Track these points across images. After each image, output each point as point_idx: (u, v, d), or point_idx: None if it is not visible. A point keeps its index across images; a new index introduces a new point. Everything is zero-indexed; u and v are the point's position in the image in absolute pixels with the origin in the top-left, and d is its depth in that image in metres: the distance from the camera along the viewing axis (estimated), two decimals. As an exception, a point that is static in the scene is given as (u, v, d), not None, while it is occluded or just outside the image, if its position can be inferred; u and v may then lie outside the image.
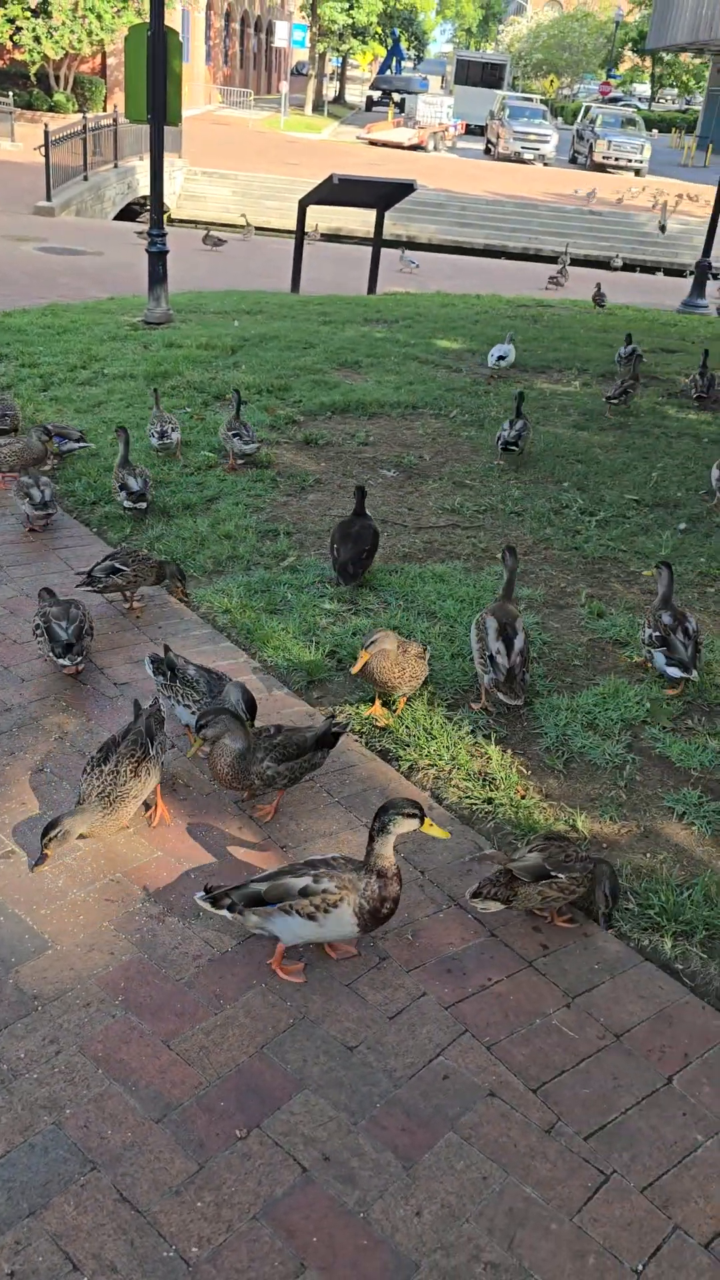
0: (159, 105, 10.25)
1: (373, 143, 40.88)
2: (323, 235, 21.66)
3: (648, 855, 3.40)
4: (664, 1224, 2.28)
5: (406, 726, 3.98)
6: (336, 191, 13.93)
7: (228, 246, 19.27)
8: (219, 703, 3.58)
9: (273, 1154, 2.38)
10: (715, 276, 19.51)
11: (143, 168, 24.15)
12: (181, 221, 24.71)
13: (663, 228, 27.54)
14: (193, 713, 3.66)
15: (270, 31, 58.86)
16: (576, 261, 22.96)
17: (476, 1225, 2.25)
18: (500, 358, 9.68)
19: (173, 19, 37.87)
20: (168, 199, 24.01)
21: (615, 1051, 2.69)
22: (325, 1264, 2.16)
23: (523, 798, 3.64)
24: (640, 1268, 2.19)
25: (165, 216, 11.79)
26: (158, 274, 10.84)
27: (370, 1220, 2.25)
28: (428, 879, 3.25)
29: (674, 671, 4.25)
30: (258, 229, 22.42)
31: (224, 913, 2.84)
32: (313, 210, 15.62)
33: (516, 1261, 2.18)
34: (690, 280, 18.07)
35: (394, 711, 4.06)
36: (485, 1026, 2.74)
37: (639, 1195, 2.33)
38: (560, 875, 2.98)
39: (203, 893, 2.91)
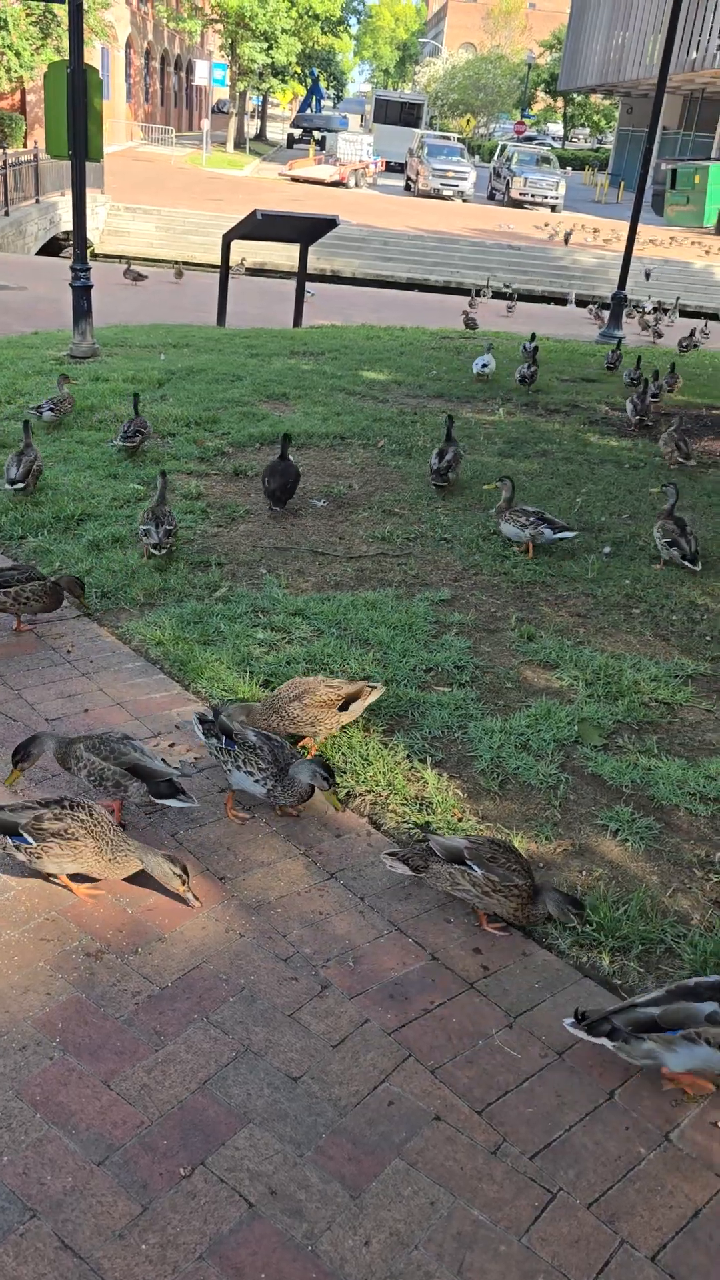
0: (80, 141, 10.27)
1: (295, 179, 41.37)
2: (248, 270, 21.82)
3: (583, 873, 3.45)
4: (611, 1239, 2.29)
5: (343, 753, 3.98)
6: (260, 227, 14.07)
7: (152, 282, 19.28)
8: (291, 782, 3.46)
9: (218, 1191, 2.34)
10: (637, 308, 20.08)
11: (65, 203, 24.09)
12: (105, 256, 24.66)
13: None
14: (258, 782, 3.48)
15: (190, 70, 59.42)
16: (502, 296, 23.46)
17: (425, 1251, 2.24)
18: (484, 365, 11.10)
19: (92, 56, 38.01)
20: (91, 234, 24.02)
21: (558, 1069, 2.71)
22: (274, 1300, 2.13)
23: (459, 820, 3.66)
24: (589, 1284, 2.19)
25: (89, 252, 11.77)
26: (82, 308, 10.80)
27: (319, 1253, 2.23)
28: (367, 904, 3.25)
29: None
30: (183, 263, 22.48)
31: (604, 1041, 2.60)
32: (238, 245, 15.75)
33: (466, 1285, 2.18)
34: (603, 311, 18.54)
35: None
36: (429, 1050, 2.74)
37: (585, 1211, 2.35)
38: (476, 869, 3.03)
39: (572, 1019, 2.67)
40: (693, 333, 16.40)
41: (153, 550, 5.58)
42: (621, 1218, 2.34)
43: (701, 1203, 2.38)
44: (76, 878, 3.21)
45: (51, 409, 8.05)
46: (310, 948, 3.06)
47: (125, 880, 3.22)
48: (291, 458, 6.80)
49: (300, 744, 4.00)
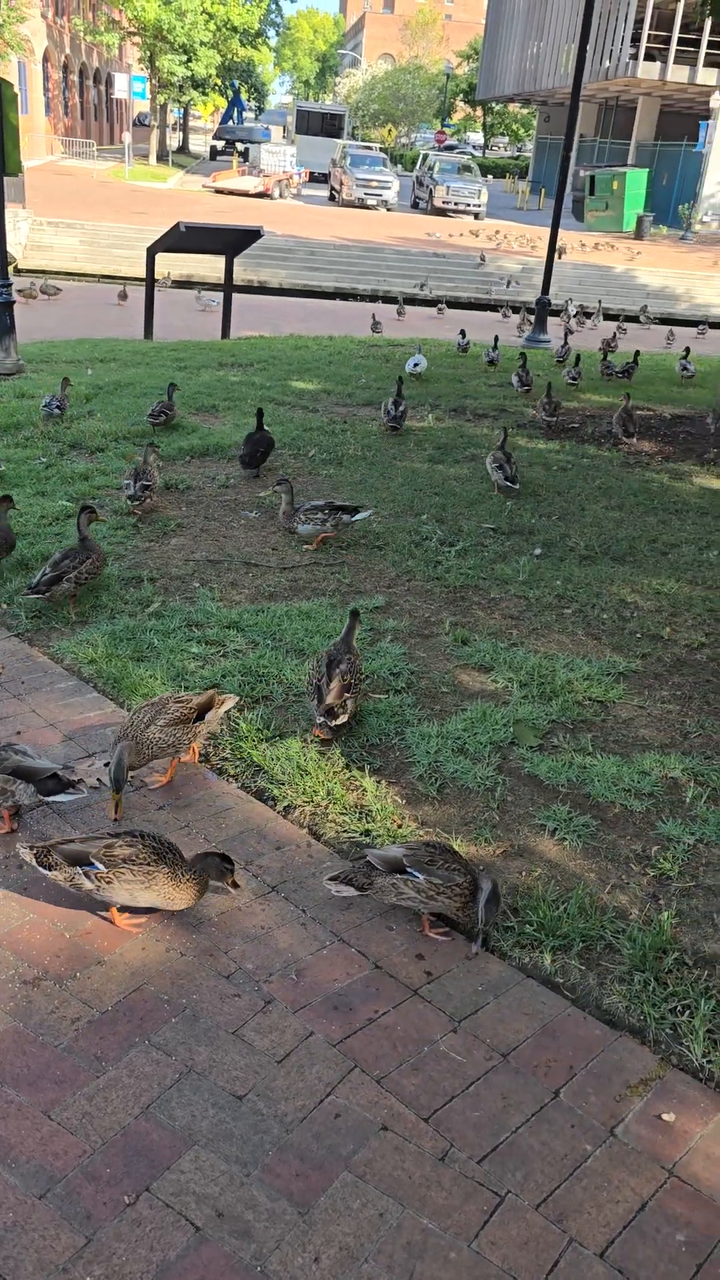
0: (-4, 156, 10.13)
1: (219, 191, 41.25)
2: (174, 283, 21.69)
3: (523, 873, 3.47)
4: (559, 1238, 2.30)
5: (281, 765, 3.96)
6: (185, 239, 14.00)
7: (76, 297, 19.06)
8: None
9: (164, 1217, 2.30)
10: (557, 313, 20.37)
11: (-16, 218, 23.70)
12: (29, 271, 24.34)
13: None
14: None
15: (110, 83, 59.02)
16: (424, 302, 23.64)
17: (375, 1264, 2.23)
18: (416, 365, 12.01)
19: (7, 71, 37.57)
20: (13, 249, 23.67)
21: (503, 1071, 2.72)
22: (224, 1324, 2.09)
23: (399, 827, 3.66)
24: (539, 1285, 2.20)
25: (11, 267, 11.61)
26: (5, 324, 10.65)
27: (268, 1273, 2.20)
28: (309, 916, 3.23)
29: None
30: (104, 277, 22.30)
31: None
32: (164, 258, 15.64)
33: (417, 1295, 2.17)
34: (519, 316, 18.79)
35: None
36: (374, 1060, 2.73)
37: (534, 1213, 2.35)
38: (418, 875, 3.04)
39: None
40: (614, 334, 16.76)
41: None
42: (570, 1216, 2.35)
43: (647, 1196, 2.40)
44: (128, 910, 3.17)
45: None
46: (252, 963, 3.03)
47: (62, 903, 3.17)
48: (267, 428, 7.98)
49: (154, 779, 3.90)
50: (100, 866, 3.04)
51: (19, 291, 18.34)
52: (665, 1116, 2.60)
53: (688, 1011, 2.90)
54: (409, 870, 3.10)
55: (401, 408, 9.35)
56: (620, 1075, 2.72)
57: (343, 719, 4.05)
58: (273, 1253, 2.24)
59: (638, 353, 14.06)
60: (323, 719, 4.06)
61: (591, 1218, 2.35)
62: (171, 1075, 2.65)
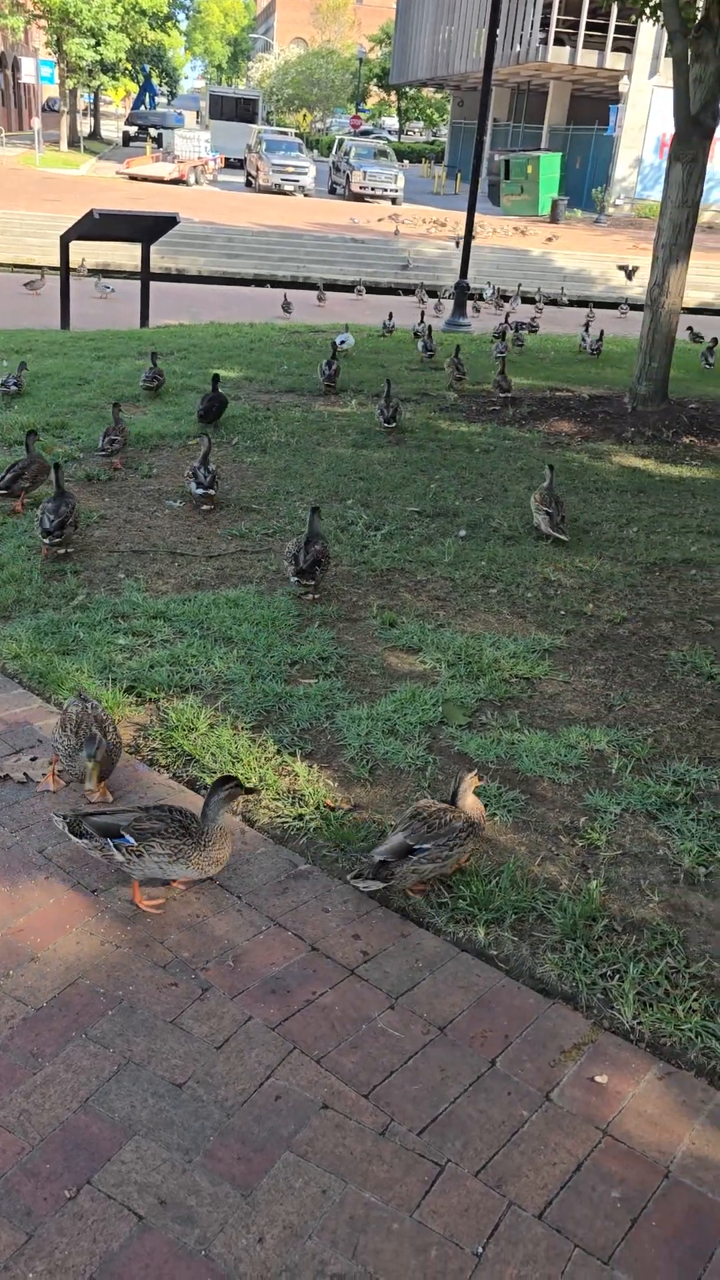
0: None
1: (133, 177, 40.58)
2: (90, 271, 21.31)
3: (456, 850, 3.51)
4: (499, 1203, 2.34)
5: (212, 753, 3.95)
6: (98, 226, 13.75)
7: (-11, 285, 18.61)
8: None
9: (106, 1208, 2.29)
10: (475, 297, 20.49)
11: None
12: (-64, 262, 23.69)
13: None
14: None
15: (16, 68, 57.50)
16: (335, 288, 23.58)
17: (319, 1240, 2.25)
18: (343, 341, 12.48)
19: None
20: None
21: (440, 1044, 2.76)
22: (169, 1310, 2.10)
23: (332, 810, 3.68)
24: (480, 1249, 2.24)
25: None
26: None
27: (212, 1256, 2.20)
28: (244, 902, 3.23)
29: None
30: (17, 267, 21.83)
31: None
32: (80, 246, 15.35)
33: (361, 1268, 2.19)
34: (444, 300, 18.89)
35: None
36: (314, 1041, 2.75)
37: (474, 1180, 2.39)
38: (428, 846, 3.09)
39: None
40: (533, 317, 16.98)
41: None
42: (508, 1181, 2.39)
43: (583, 1156, 2.46)
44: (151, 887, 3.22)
45: None
46: (189, 951, 3.03)
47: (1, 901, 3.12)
48: (221, 391, 9.00)
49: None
50: (131, 840, 3.07)
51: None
52: (598, 1078, 2.67)
53: (618, 976, 2.97)
54: (418, 848, 3.13)
55: (335, 367, 10.64)
56: (554, 1041, 2.78)
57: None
58: (216, 1236, 2.24)
59: (602, 332, 14.76)
60: (296, 578, 5.31)
61: (530, 1181, 2.40)
62: (110, 1068, 2.63)
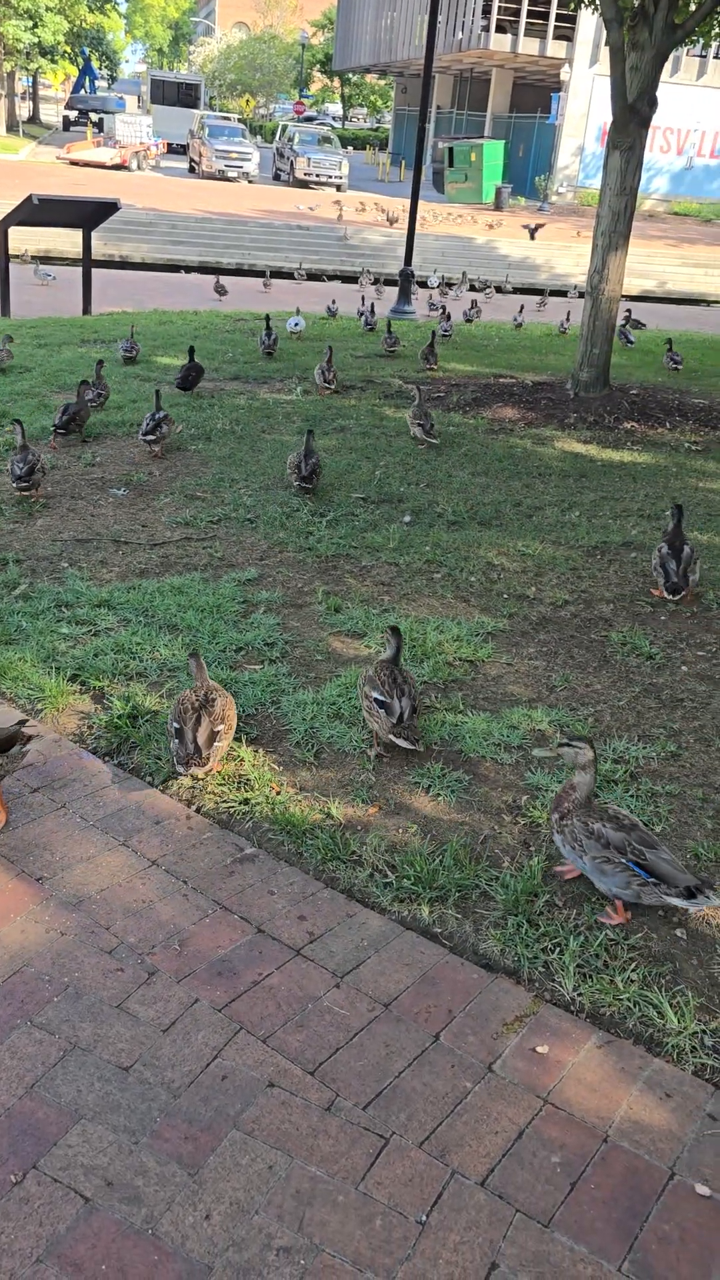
0: None
1: (74, 163, 39.93)
2: (33, 257, 20.96)
3: (400, 831, 3.55)
4: (443, 1172, 2.39)
5: (157, 741, 3.94)
6: (38, 212, 13.55)
7: None
8: None
9: (52, 1191, 2.30)
10: (422, 284, 20.53)
11: None
12: None
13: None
14: None
15: (-50, 49, 56.21)
16: (280, 275, 23.47)
17: (266, 1215, 2.27)
18: (296, 325, 13.11)
19: None
20: None
21: (385, 1020, 2.79)
22: (117, 1289, 2.11)
23: (278, 794, 3.69)
24: (424, 1218, 2.28)
25: None
26: None
27: (159, 1234, 2.22)
28: (190, 887, 3.24)
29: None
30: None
31: None
32: (20, 233, 15.09)
33: (307, 1240, 2.22)
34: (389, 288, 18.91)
35: None
36: (260, 1020, 2.77)
37: (418, 1150, 2.44)
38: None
39: None
40: (474, 304, 17.13)
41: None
42: (451, 1150, 2.44)
43: (524, 1124, 2.51)
44: None
45: None
46: (135, 936, 3.03)
47: (-67, 893, 3.10)
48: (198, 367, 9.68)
49: None
50: None
51: None
52: (539, 1049, 2.72)
53: (558, 949, 3.03)
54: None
55: (274, 336, 11.69)
56: (497, 1014, 2.83)
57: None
58: (164, 1215, 2.26)
59: (569, 313, 14.60)
60: (299, 483, 6.73)
61: (472, 1150, 2.44)
62: (55, 1053, 2.63)
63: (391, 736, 3.83)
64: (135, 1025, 2.73)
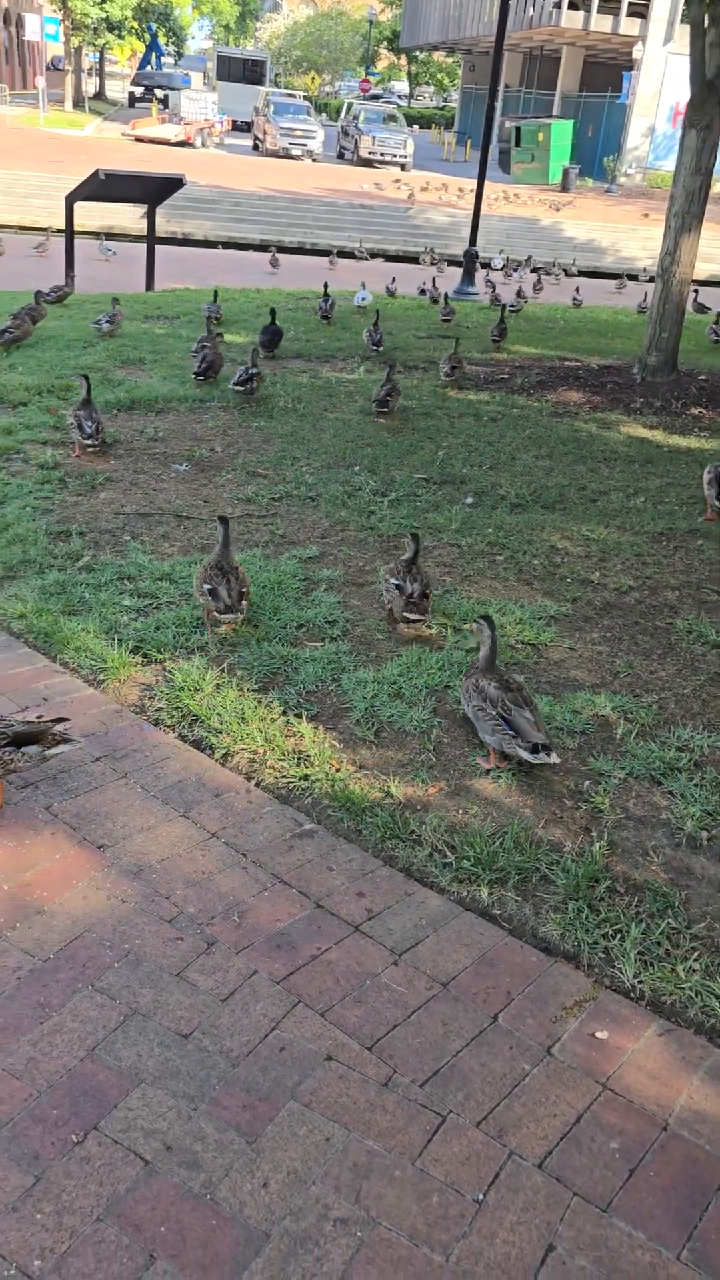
0: None
1: (139, 139, 40.09)
2: (96, 233, 21.11)
3: (460, 811, 3.53)
4: (500, 1152, 2.38)
5: (218, 714, 3.96)
6: (104, 187, 13.62)
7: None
8: None
9: (112, 1153, 2.33)
10: (485, 265, 20.33)
11: None
12: (-59, 223, 23.46)
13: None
14: None
15: (21, 24, 56.65)
16: (342, 254, 23.38)
17: (323, 1185, 2.28)
18: (362, 299, 13.84)
19: None
20: None
21: (443, 1000, 2.79)
22: (175, 1251, 2.14)
23: (337, 771, 3.69)
24: (481, 1196, 2.28)
25: None
26: None
27: (217, 1200, 2.24)
28: (250, 860, 3.25)
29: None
30: (22, 228, 21.64)
31: None
32: (84, 209, 15.19)
33: (364, 1213, 2.23)
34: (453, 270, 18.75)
35: None
36: (318, 995, 2.78)
37: (475, 1130, 2.43)
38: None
39: None
40: (534, 285, 17.10)
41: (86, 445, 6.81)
42: (509, 1132, 2.43)
43: (583, 1108, 2.49)
44: None
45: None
46: (194, 907, 3.05)
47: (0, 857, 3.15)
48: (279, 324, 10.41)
49: None
50: None
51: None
52: (599, 1034, 2.70)
53: (619, 936, 3.00)
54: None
55: (330, 302, 12.48)
56: (556, 998, 2.81)
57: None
58: (222, 1180, 2.28)
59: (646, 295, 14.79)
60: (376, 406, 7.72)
61: (530, 1131, 2.43)
62: (116, 1018, 2.66)
63: (404, 613, 4.63)
64: (194, 994, 2.76)
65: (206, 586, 4.50)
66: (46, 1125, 2.38)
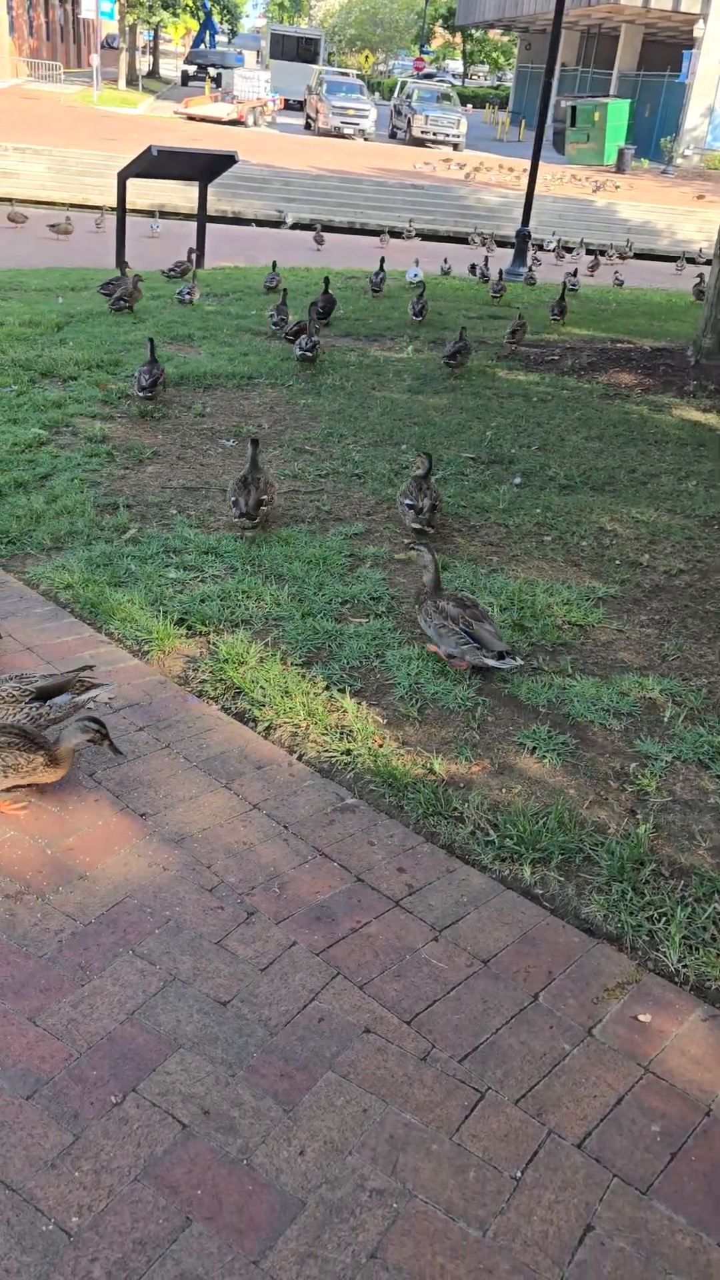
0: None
1: (191, 117, 40.06)
2: (148, 211, 21.14)
3: (503, 790, 3.50)
4: (539, 1131, 2.36)
5: (261, 687, 3.96)
6: (156, 164, 13.59)
7: (43, 225, 18.53)
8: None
9: (150, 1115, 2.34)
10: (538, 247, 20.09)
11: (-52, 143, 22.94)
12: (-6, 199, 23.62)
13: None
14: None
15: (76, 2, 56.81)
16: (394, 234, 23.21)
17: (359, 1156, 2.28)
18: (415, 275, 14.20)
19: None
20: (-22, 175, 22.97)
21: (483, 977, 2.76)
22: (211, 1214, 2.14)
23: (380, 746, 3.67)
24: (519, 1174, 2.26)
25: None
26: (-29, 250, 10.36)
27: (254, 1166, 2.24)
28: (291, 832, 3.25)
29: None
30: (74, 206, 21.73)
31: None
32: (135, 186, 15.20)
33: (400, 1184, 2.22)
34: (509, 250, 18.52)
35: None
36: (357, 967, 2.76)
37: (513, 1107, 2.41)
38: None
39: None
40: (577, 270, 16.94)
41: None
42: (548, 1110, 2.40)
43: (624, 1090, 2.46)
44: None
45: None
46: (235, 877, 3.05)
47: (44, 820, 3.17)
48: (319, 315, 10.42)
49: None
50: None
51: (8, 218, 17.86)
52: (642, 1017, 2.66)
53: (664, 919, 2.96)
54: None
55: (381, 276, 12.89)
56: (598, 979, 2.78)
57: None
58: (259, 1147, 2.28)
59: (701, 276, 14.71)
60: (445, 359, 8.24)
61: (570, 1111, 2.40)
62: (156, 983, 2.67)
63: (414, 525, 5.27)
64: (234, 962, 2.76)
65: (231, 498, 5.26)
66: (86, 1085, 2.39)
